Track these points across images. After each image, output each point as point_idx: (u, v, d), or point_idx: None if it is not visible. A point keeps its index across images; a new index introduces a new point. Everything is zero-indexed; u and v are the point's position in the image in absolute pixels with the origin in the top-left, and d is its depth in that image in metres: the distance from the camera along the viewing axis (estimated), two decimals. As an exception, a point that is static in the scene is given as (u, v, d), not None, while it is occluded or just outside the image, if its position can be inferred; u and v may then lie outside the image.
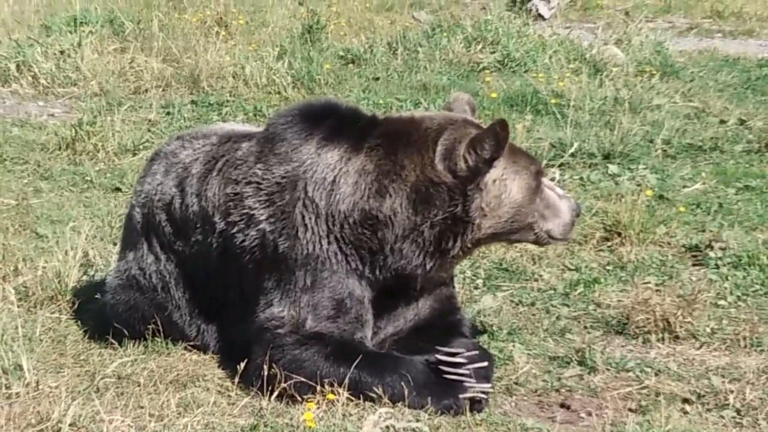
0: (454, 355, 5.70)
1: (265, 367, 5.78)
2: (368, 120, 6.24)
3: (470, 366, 5.69)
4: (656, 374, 6.23)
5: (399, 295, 6.15)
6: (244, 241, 6.12)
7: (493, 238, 6.10)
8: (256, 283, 6.10)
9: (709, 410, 5.80)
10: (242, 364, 5.84)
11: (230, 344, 6.31)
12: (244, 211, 6.14)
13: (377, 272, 5.99)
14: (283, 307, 5.95)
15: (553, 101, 12.38)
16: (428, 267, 5.97)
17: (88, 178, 10.27)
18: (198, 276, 6.44)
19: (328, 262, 5.94)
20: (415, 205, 5.87)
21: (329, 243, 5.94)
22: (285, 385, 5.69)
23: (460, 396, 5.65)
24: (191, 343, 6.51)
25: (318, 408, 5.63)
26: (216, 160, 6.44)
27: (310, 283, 5.93)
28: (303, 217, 5.96)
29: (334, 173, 5.97)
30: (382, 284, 6.02)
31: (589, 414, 5.80)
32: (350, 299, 5.94)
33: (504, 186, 5.88)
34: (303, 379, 5.72)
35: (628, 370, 6.28)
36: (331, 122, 6.14)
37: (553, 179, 9.54)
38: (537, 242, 6.21)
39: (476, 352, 5.83)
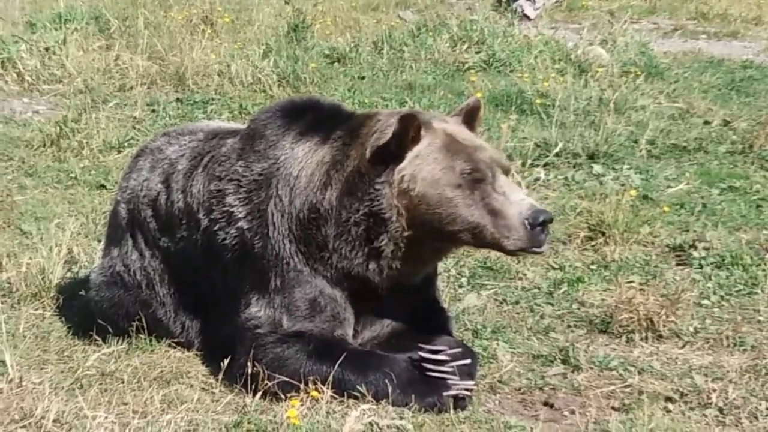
0: (436, 352, 5.70)
1: (249, 365, 5.77)
2: (344, 115, 6.20)
3: (453, 363, 5.69)
4: (639, 373, 6.25)
5: (371, 300, 6.03)
6: (225, 239, 6.12)
7: (437, 239, 5.80)
8: (238, 281, 6.10)
9: (692, 409, 5.82)
10: (226, 362, 5.83)
11: (215, 341, 6.28)
12: (225, 208, 6.13)
13: (330, 272, 5.90)
14: (260, 307, 5.95)
15: (538, 101, 12.39)
16: (374, 269, 5.83)
17: (73, 175, 10.27)
18: (183, 272, 6.43)
19: (292, 262, 5.90)
20: (343, 198, 5.81)
21: (290, 242, 5.90)
22: (269, 383, 5.69)
23: (444, 394, 5.65)
24: (175, 340, 6.51)
25: (302, 405, 5.62)
26: (202, 156, 6.43)
27: (280, 284, 5.91)
28: (273, 216, 5.95)
29: (298, 167, 5.96)
30: (349, 286, 5.94)
31: (573, 412, 5.81)
32: (322, 298, 5.89)
33: (414, 182, 5.68)
34: (286, 379, 5.71)
35: (611, 369, 6.29)
36: (309, 118, 6.10)
37: (537, 179, 9.57)
38: (499, 250, 5.79)
39: (459, 349, 5.81)
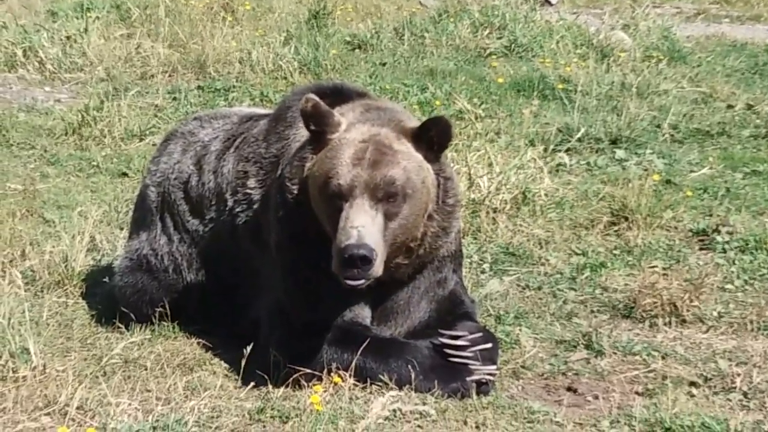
0: (457, 338, 5.69)
1: (271, 352, 5.76)
2: (356, 97, 6.11)
3: (474, 348, 5.68)
4: (663, 358, 6.24)
5: (383, 301, 5.95)
6: (245, 222, 6.12)
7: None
8: (258, 267, 6.10)
9: (716, 393, 5.80)
10: (249, 348, 5.79)
11: (238, 328, 6.27)
12: (247, 191, 6.14)
13: (309, 255, 5.78)
14: (273, 295, 5.95)
15: (560, 86, 12.37)
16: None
17: (95, 164, 10.29)
18: (210, 257, 6.43)
19: (285, 249, 5.84)
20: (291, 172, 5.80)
21: (281, 226, 5.84)
22: (292, 374, 5.67)
23: (467, 379, 5.64)
24: (199, 327, 6.52)
25: (325, 391, 5.62)
26: (235, 138, 6.45)
27: (282, 273, 5.89)
28: (272, 198, 5.92)
29: (297, 146, 5.92)
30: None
31: (596, 397, 5.81)
32: (318, 286, 5.77)
33: (311, 174, 5.65)
34: (308, 371, 5.68)
35: (634, 354, 6.27)
36: (329, 101, 5.90)
37: (560, 164, 9.56)
38: None
39: (480, 334, 5.78)
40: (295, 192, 5.70)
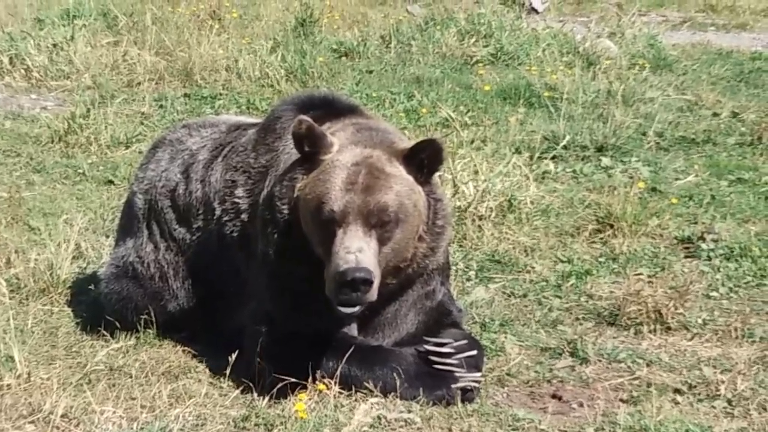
0: (442, 345, 5.70)
1: (256, 360, 5.75)
2: (353, 113, 6.10)
3: (459, 356, 5.68)
4: (648, 365, 6.24)
5: (370, 313, 5.84)
6: (232, 231, 6.11)
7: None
8: (244, 275, 6.09)
9: (700, 400, 5.81)
10: (234, 356, 5.81)
11: (224, 336, 6.25)
12: (234, 200, 6.13)
13: (297, 270, 5.76)
14: (258, 304, 5.94)
15: (546, 94, 12.38)
16: (307, 271, 5.66)
17: (81, 171, 10.27)
18: (197, 265, 6.41)
19: (272, 262, 5.80)
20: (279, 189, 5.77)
21: (269, 243, 5.82)
22: (277, 382, 5.65)
23: (452, 386, 5.64)
24: (184, 335, 6.51)
25: (310, 399, 5.62)
26: (223, 147, 6.44)
27: (268, 283, 5.87)
28: (258, 209, 5.90)
29: (285, 159, 5.90)
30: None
31: (581, 405, 5.81)
32: (304, 297, 5.76)
33: (301, 196, 5.61)
34: (293, 379, 5.65)
35: (619, 361, 6.28)
36: (319, 113, 5.94)
37: (545, 172, 9.57)
38: None
39: (465, 341, 5.79)
40: (286, 212, 5.66)
